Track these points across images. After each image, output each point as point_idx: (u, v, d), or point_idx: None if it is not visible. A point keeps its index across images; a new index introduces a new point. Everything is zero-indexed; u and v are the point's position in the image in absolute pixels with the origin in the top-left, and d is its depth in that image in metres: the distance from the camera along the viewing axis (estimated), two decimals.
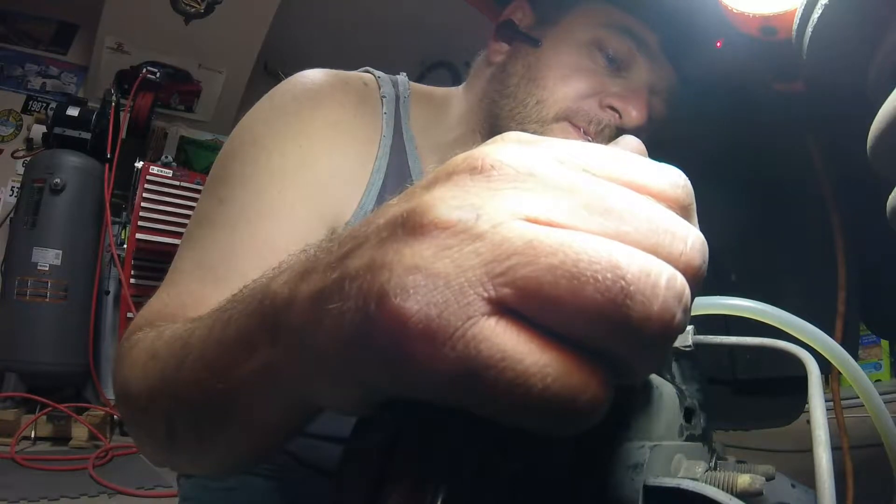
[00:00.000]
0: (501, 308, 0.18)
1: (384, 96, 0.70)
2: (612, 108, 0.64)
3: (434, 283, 0.18)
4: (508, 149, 0.21)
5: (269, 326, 0.25)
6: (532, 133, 0.72)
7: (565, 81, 0.65)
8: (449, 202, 0.19)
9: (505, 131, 0.73)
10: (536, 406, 0.18)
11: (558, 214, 0.19)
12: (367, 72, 0.74)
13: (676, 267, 0.19)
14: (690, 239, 0.20)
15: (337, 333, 0.20)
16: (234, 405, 0.30)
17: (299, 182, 0.60)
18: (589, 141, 0.64)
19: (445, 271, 0.18)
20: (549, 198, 0.19)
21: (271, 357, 0.25)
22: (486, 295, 0.18)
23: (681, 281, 0.19)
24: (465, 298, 0.18)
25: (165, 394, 0.36)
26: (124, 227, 3.05)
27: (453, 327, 0.18)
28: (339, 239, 0.23)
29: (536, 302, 0.18)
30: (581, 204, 0.19)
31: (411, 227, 0.19)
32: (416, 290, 0.18)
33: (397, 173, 0.67)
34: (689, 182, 0.22)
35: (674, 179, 0.21)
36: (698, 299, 0.31)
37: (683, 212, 0.21)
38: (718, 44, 0.64)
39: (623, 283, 0.17)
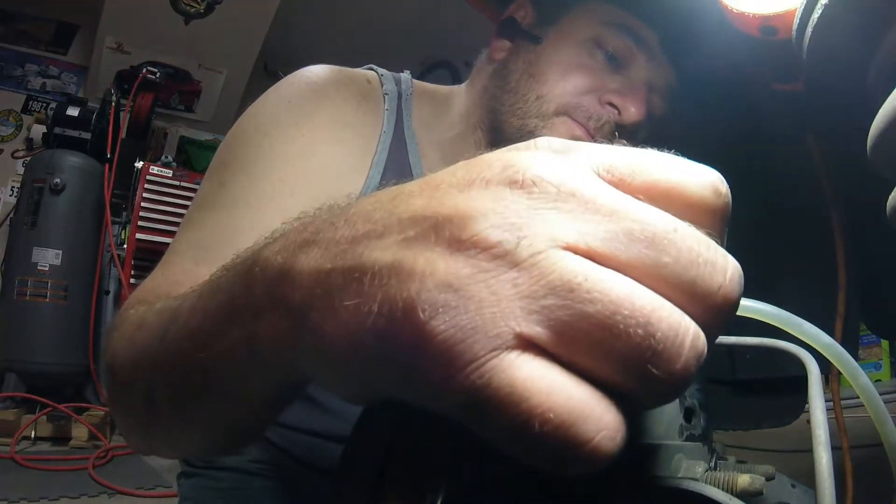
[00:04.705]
0: (527, 344, 0.18)
1: (386, 93, 0.71)
2: (612, 105, 0.64)
3: (466, 306, 0.18)
4: (547, 161, 0.20)
5: (258, 296, 0.24)
6: (533, 128, 0.72)
7: (565, 77, 0.65)
8: (490, 219, 0.19)
9: (506, 126, 0.74)
10: (533, 447, 0.18)
11: (598, 241, 0.19)
12: (371, 69, 0.74)
13: (714, 302, 0.19)
14: (729, 271, 0.20)
15: (353, 331, 0.20)
16: (214, 376, 0.29)
17: (300, 170, 0.60)
18: (590, 138, 0.64)
19: (479, 297, 0.18)
20: (589, 223, 0.19)
21: (258, 328, 0.24)
22: (517, 330, 0.18)
23: (702, 341, 0.19)
24: (494, 329, 0.18)
25: (147, 364, 0.35)
26: (124, 227, 3.05)
27: (475, 356, 0.17)
28: (345, 215, 0.22)
29: (566, 345, 0.18)
30: (622, 230, 0.19)
31: (447, 237, 0.19)
32: (445, 310, 0.18)
33: (396, 168, 0.67)
34: (728, 187, 0.22)
35: (715, 185, 0.21)
36: None
37: (720, 222, 0.21)
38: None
39: (652, 341, 0.18)
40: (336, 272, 0.20)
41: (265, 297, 0.24)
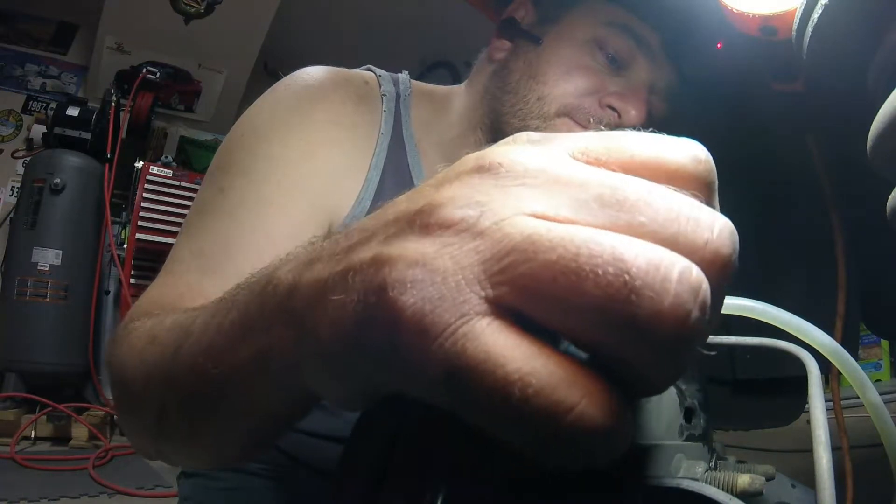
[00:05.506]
0: (501, 308, 0.18)
1: (384, 94, 0.70)
2: (612, 108, 0.64)
3: (432, 278, 0.18)
4: (519, 147, 0.20)
5: (270, 312, 0.25)
6: (535, 129, 0.72)
7: (566, 78, 0.65)
8: (457, 201, 0.19)
9: (507, 127, 0.74)
10: (516, 419, 0.17)
11: (567, 209, 0.18)
12: (369, 69, 0.74)
13: (702, 257, 0.18)
14: (717, 226, 0.18)
15: (339, 324, 0.20)
16: (227, 391, 0.29)
17: (299, 173, 0.60)
18: None
19: (444, 267, 0.18)
20: (558, 193, 0.19)
21: (269, 342, 0.25)
22: (482, 294, 0.18)
23: (696, 274, 0.17)
24: (461, 296, 0.17)
25: (160, 378, 0.35)
26: (124, 227, 3.05)
27: (445, 324, 0.17)
28: (347, 231, 0.23)
29: (535, 301, 0.17)
30: (592, 197, 0.18)
31: (419, 225, 0.19)
32: (413, 285, 0.18)
33: (395, 170, 0.67)
34: (710, 156, 0.21)
35: (694, 153, 0.20)
36: None
37: (706, 189, 0.20)
38: (719, 45, 0.64)
39: (627, 277, 0.16)
40: (331, 278, 0.21)
41: (276, 313, 0.25)
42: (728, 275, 0.18)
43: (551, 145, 0.21)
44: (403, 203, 0.21)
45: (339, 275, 0.21)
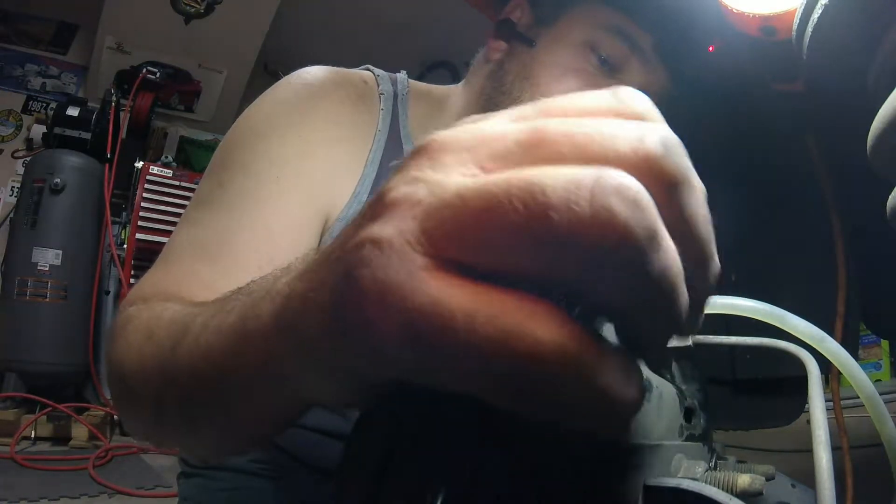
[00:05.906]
0: (445, 262, 0.18)
1: (382, 93, 0.71)
2: None
3: (381, 249, 0.19)
4: (455, 129, 0.21)
5: (267, 322, 0.26)
6: None
7: (559, 81, 0.65)
8: (398, 184, 0.20)
9: None
10: (471, 357, 0.17)
11: (491, 161, 0.19)
12: (367, 69, 0.75)
13: (634, 164, 0.18)
14: (647, 135, 0.18)
15: (323, 322, 0.21)
16: (225, 392, 0.30)
17: (297, 170, 0.61)
18: None
19: (389, 237, 0.19)
20: (481, 149, 0.20)
21: (266, 348, 0.26)
22: (423, 251, 0.18)
23: (616, 175, 0.17)
24: (405, 256, 0.18)
25: (158, 376, 0.36)
26: (124, 227, 3.05)
27: (397, 286, 0.18)
28: (333, 240, 0.24)
29: (472, 247, 0.18)
30: (513, 143, 0.19)
31: (370, 215, 0.20)
32: (367, 261, 0.19)
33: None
34: (644, 96, 0.21)
35: (624, 95, 0.21)
36: None
37: (643, 116, 0.20)
38: (711, 48, 0.64)
39: (542, 197, 0.17)
40: (315, 284, 0.22)
41: (272, 325, 0.25)
42: (669, 175, 0.18)
43: (487, 120, 0.22)
44: (367, 203, 0.22)
45: (319, 279, 0.22)
